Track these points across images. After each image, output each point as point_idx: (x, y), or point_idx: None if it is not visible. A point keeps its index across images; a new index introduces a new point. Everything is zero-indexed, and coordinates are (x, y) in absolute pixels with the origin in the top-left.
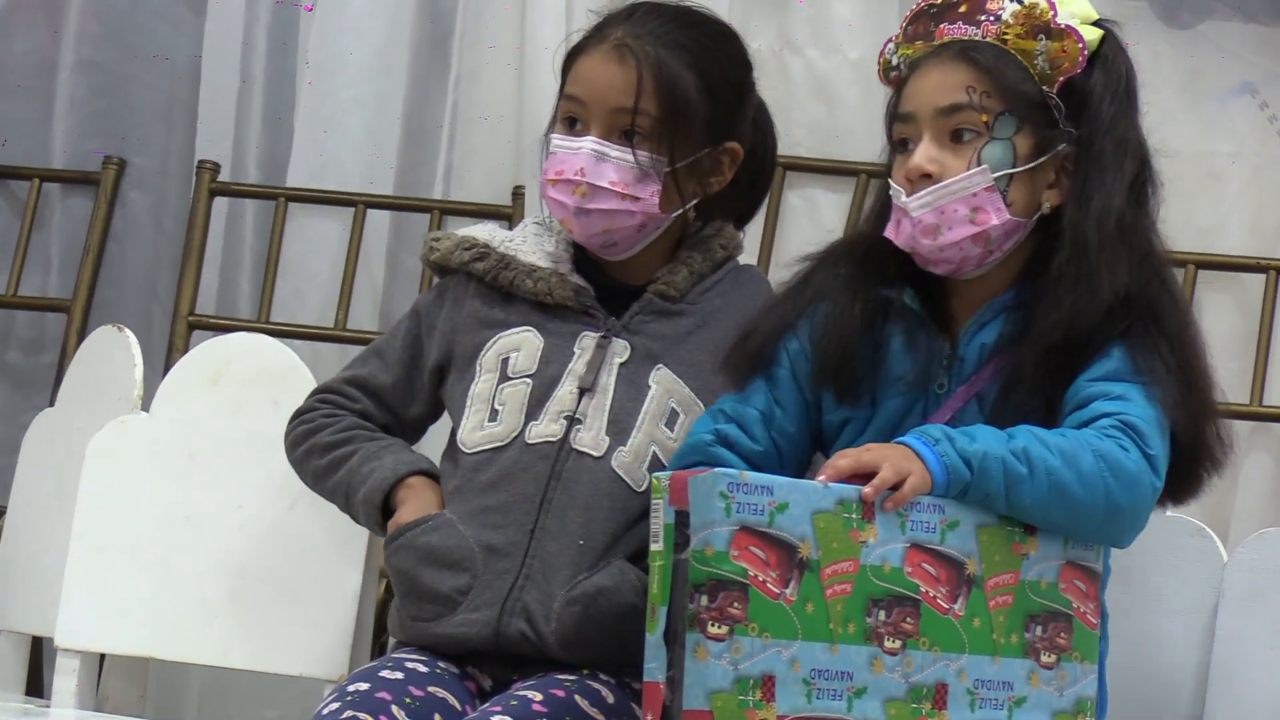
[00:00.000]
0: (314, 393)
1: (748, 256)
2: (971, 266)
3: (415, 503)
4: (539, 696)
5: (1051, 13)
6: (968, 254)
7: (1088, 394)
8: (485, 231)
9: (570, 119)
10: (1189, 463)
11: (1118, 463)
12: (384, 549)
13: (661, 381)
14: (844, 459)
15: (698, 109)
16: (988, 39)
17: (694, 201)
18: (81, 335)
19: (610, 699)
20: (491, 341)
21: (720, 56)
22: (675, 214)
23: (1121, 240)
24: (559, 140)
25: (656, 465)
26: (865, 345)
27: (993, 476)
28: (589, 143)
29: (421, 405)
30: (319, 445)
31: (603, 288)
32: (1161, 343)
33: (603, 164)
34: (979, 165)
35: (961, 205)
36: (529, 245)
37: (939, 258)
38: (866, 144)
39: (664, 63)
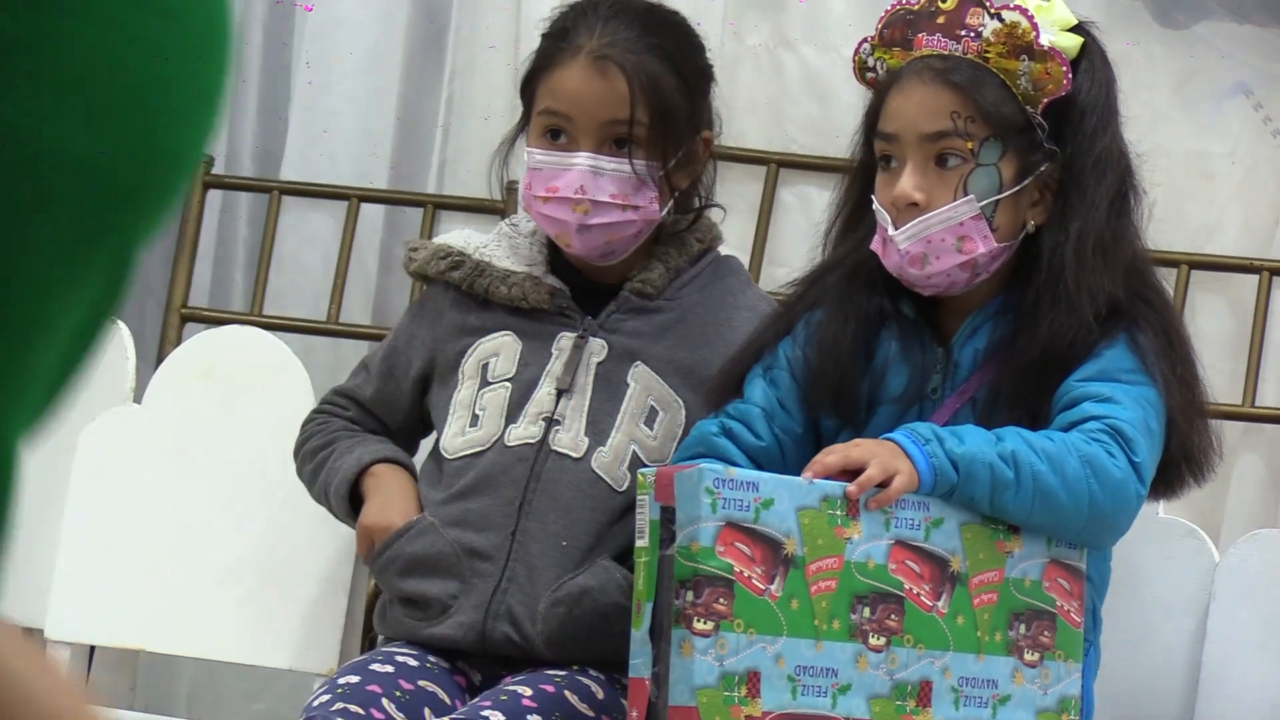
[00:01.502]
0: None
1: (740, 254)
2: (959, 289)
3: (381, 493)
4: (529, 692)
5: (1034, 33)
6: (955, 279)
7: (1077, 394)
8: (460, 239)
9: (554, 131)
10: (1176, 461)
11: (1103, 469)
12: (370, 566)
13: (639, 379)
14: (832, 455)
15: (681, 108)
16: (968, 55)
17: (677, 194)
18: None
19: (600, 694)
20: (471, 348)
21: (689, 50)
22: (665, 211)
23: (1102, 259)
24: (544, 155)
25: (636, 464)
26: (860, 363)
27: (979, 482)
28: (584, 159)
29: (402, 415)
30: (308, 451)
31: (579, 288)
32: (1155, 340)
33: (601, 178)
34: (965, 194)
35: (948, 235)
36: (502, 250)
37: (926, 284)
38: None
39: (647, 68)
